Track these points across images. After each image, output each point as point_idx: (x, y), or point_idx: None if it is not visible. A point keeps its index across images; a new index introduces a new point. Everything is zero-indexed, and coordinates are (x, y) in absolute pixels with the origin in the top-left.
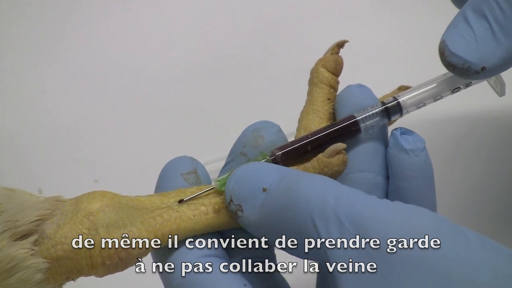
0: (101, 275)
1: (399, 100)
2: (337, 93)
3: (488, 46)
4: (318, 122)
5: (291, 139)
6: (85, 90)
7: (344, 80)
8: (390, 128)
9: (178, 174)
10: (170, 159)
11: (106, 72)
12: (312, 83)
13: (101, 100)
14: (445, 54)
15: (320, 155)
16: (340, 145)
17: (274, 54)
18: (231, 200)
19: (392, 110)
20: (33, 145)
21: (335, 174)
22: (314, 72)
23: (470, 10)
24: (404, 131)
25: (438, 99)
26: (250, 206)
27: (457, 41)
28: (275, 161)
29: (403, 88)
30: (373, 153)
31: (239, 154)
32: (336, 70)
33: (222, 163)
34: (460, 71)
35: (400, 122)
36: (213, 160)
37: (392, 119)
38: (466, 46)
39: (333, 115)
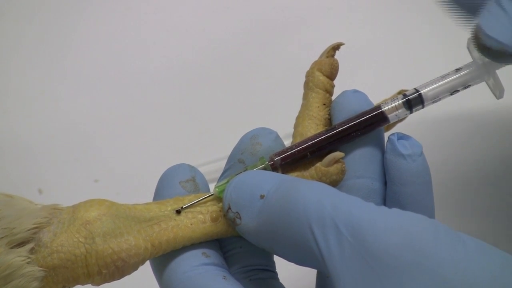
0: (98, 284)
1: (421, 92)
2: (333, 99)
3: None
4: (314, 129)
5: (289, 140)
6: (85, 90)
7: (340, 84)
8: (386, 134)
9: (176, 182)
10: (170, 159)
11: (106, 72)
12: (307, 87)
13: (101, 100)
14: (479, 37)
15: (318, 164)
16: (339, 154)
17: (273, 55)
18: (229, 208)
19: (413, 101)
20: (33, 145)
21: (333, 183)
22: (309, 76)
23: None
24: (401, 136)
25: (436, 101)
26: (248, 214)
27: (492, 24)
28: (274, 166)
29: (402, 93)
30: (369, 158)
31: (237, 161)
32: (332, 73)
33: (222, 163)
34: (495, 54)
35: (396, 127)
36: (213, 160)
37: (414, 111)
38: (501, 29)
39: (329, 121)
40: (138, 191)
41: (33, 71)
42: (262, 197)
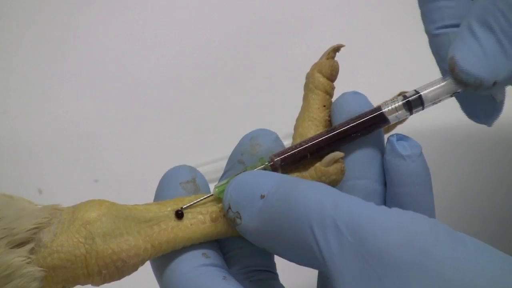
0: (98, 284)
1: (421, 93)
2: (333, 100)
3: (497, 60)
4: (315, 130)
5: (289, 141)
6: (85, 90)
7: (340, 85)
8: (386, 136)
9: (177, 183)
10: (170, 159)
11: (106, 72)
12: (307, 88)
13: (101, 100)
14: (455, 72)
15: (317, 164)
16: (338, 154)
17: (273, 55)
18: (229, 208)
19: (414, 103)
20: (33, 145)
21: (333, 183)
22: (309, 77)
23: (476, 22)
24: (401, 137)
25: (436, 102)
26: (249, 213)
27: (466, 57)
28: (274, 167)
29: (403, 94)
30: (369, 160)
31: (236, 162)
32: (332, 75)
33: (222, 163)
34: (472, 87)
35: (395, 129)
36: (213, 160)
37: (414, 112)
38: (476, 62)
39: (329, 122)
40: (138, 191)
41: (33, 71)
42: (262, 197)
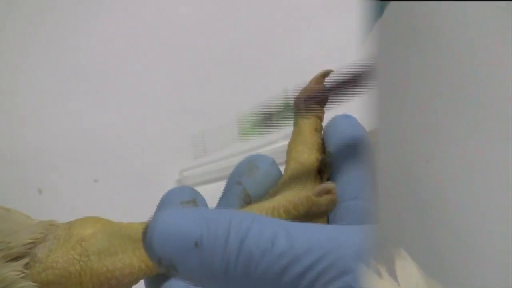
0: None
1: None
2: (325, 124)
3: None
4: (308, 154)
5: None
6: (85, 90)
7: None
8: None
9: (177, 202)
10: (170, 159)
11: (105, 72)
12: (297, 113)
13: (101, 100)
14: None
15: (310, 194)
16: (330, 185)
17: (274, 55)
18: (160, 261)
19: None
20: (33, 145)
21: (324, 213)
22: (299, 103)
23: None
24: None
25: None
26: (186, 265)
27: None
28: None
29: None
30: (361, 180)
31: (235, 184)
32: (322, 101)
33: (222, 163)
34: None
35: None
36: (212, 160)
37: None
38: None
39: (322, 145)
40: (138, 191)
41: (33, 71)
42: (196, 245)
